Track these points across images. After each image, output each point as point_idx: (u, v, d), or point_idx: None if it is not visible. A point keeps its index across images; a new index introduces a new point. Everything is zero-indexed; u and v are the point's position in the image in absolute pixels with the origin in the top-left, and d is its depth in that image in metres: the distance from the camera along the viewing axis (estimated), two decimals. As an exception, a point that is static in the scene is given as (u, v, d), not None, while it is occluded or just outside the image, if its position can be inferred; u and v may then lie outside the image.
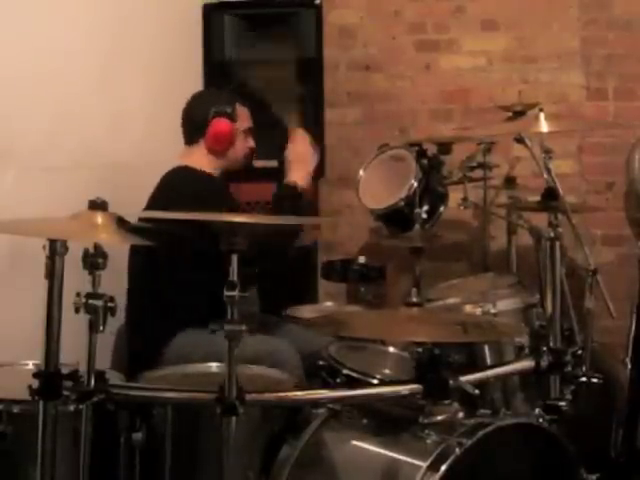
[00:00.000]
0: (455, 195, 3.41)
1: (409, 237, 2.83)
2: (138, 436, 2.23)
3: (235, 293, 1.92)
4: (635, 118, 3.89)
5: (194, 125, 3.11)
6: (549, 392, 2.37)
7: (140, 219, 2.48)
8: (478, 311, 2.86)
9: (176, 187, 3.00)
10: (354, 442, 2.32)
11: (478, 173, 3.56)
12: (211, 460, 2.22)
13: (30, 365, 2.39)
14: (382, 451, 2.24)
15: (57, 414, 1.92)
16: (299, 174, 3.03)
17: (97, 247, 1.93)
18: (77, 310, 1.92)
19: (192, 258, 2.87)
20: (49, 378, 1.91)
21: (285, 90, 3.94)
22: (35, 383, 1.91)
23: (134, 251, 3.01)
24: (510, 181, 3.58)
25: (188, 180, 3.02)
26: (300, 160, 3.07)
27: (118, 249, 2.87)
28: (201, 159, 3.09)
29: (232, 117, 3.09)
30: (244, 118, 3.15)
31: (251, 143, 3.18)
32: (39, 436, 1.91)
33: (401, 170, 3.27)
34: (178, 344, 2.86)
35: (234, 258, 1.94)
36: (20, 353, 2.42)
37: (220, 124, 3.07)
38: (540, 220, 2.75)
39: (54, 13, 3.02)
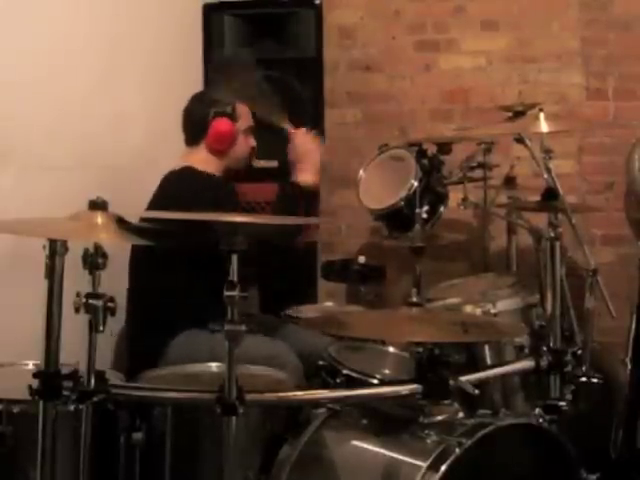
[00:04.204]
0: (455, 195, 3.41)
1: (409, 237, 2.83)
2: (138, 436, 2.23)
3: (235, 293, 1.92)
4: (635, 118, 3.89)
5: (194, 126, 3.11)
6: (549, 392, 2.37)
7: (141, 219, 2.47)
8: (478, 311, 2.86)
9: (178, 187, 2.99)
10: (354, 442, 2.32)
11: (478, 173, 3.56)
12: (211, 460, 2.23)
13: (30, 365, 2.39)
14: (382, 451, 2.24)
15: (57, 414, 1.92)
16: (304, 173, 3.04)
17: (97, 247, 1.93)
18: (77, 310, 1.92)
19: (192, 258, 2.87)
20: (49, 378, 1.91)
21: (285, 90, 3.94)
22: (35, 383, 1.92)
23: (135, 251, 3.01)
24: (510, 181, 3.57)
25: (190, 180, 3.02)
26: (303, 158, 3.08)
27: (118, 249, 2.88)
28: (203, 160, 3.08)
29: (233, 117, 3.09)
30: (245, 117, 3.14)
31: (252, 142, 3.17)
32: (39, 436, 1.91)
33: (401, 170, 3.27)
34: (178, 345, 2.86)
35: (234, 258, 1.94)
36: (20, 353, 2.42)
37: (221, 124, 3.07)
38: (540, 220, 2.75)
39: (54, 13, 3.02)
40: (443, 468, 2.06)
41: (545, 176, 2.85)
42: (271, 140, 3.30)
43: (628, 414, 2.98)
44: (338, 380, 2.46)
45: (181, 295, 2.91)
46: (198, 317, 2.79)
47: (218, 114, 3.07)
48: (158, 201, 2.96)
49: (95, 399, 1.97)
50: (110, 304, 1.94)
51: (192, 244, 2.71)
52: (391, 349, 2.75)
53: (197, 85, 3.94)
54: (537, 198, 2.77)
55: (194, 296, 2.87)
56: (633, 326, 3.07)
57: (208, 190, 2.98)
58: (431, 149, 3.37)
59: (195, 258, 2.85)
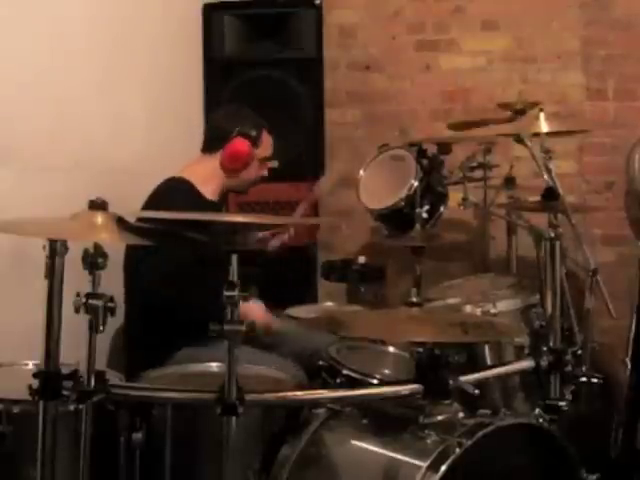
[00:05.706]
0: (455, 195, 3.40)
1: (409, 237, 2.83)
2: (138, 436, 2.23)
3: (235, 293, 1.92)
4: (635, 118, 3.90)
5: (215, 136, 3.08)
6: (549, 392, 2.36)
7: (138, 220, 2.46)
8: (478, 311, 2.86)
9: (162, 198, 2.96)
10: (354, 442, 2.32)
11: (478, 173, 3.56)
12: (211, 460, 2.22)
13: (30, 365, 2.38)
14: (382, 451, 2.24)
15: (57, 414, 1.92)
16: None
17: (97, 247, 1.93)
18: (77, 310, 1.92)
19: (190, 259, 2.85)
20: (49, 378, 1.91)
21: (285, 90, 3.94)
22: (35, 383, 1.91)
23: (129, 253, 2.99)
24: (510, 181, 3.57)
25: (174, 193, 2.98)
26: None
27: (118, 249, 2.88)
28: (209, 172, 3.06)
29: (255, 142, 3.06)
30: (266, 146, 3.12)
31: (264, 172, 3.14)
32: (39, 436, 1.91)
33: (401, 170, 3.28)
34: (179, 360, 2.83)
35: (234, 258, 1.94)
36: (20, 353, 2.42)
37: (240, 144, 3.03)
38: (540, 220, 2.75)
39: (55, 14, 3.02)
40: (443, 468, 2.06)
41: (545, 176, 2.85)
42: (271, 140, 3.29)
43: (628, 414, 2.98)
44: (338, 380, 2.46)
45: (179, 295, 2.90)
46: (196, 323, 2.76)
47: (241, 134, 3.04)
48: (144, 208, 2.94)
49: (95, 399, 1.97)
50: (110, 304, 1.94)
51: (190, 246, 2.70)
52: (391, 349, 2.76)
53: (198, 85, 3.96)
54: (537, 198, 2.77)
55: (193, 298, 2.86)
56: (633, 326, 3.07)
57: (187, 205, 2.92)
58: (431, 149, 3.37)
59: (193, 258, 2.85)
